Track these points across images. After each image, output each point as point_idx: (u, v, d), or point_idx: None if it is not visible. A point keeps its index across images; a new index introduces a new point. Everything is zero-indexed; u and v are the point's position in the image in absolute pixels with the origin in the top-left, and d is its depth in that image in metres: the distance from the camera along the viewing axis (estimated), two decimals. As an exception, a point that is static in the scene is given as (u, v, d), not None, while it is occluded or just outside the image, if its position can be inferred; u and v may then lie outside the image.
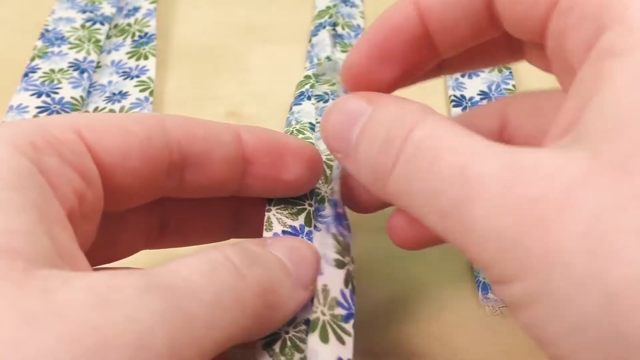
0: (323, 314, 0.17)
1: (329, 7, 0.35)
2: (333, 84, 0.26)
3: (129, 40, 0.34)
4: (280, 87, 0.31)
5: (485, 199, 0.14)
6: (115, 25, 0.35)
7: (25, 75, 0.31)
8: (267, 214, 0.21)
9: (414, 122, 0.16)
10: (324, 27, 0.33)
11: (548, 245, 0.13)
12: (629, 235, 0.12)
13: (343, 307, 0.18)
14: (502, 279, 0.14)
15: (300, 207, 0.21)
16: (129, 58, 0.32)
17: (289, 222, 0.21)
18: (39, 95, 0.30)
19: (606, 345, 0.12)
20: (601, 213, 0.12)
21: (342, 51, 0.33)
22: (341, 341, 0.17)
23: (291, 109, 0.28)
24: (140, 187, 0.18)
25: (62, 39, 0.32)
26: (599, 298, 0.12)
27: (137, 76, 0.31)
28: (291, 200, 0.22)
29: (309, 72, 0.30)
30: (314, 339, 0.17)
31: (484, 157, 0.14)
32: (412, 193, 0.16)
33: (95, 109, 0.30)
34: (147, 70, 0.32)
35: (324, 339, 0.17)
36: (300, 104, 0.28)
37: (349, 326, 0.18)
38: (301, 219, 0.21)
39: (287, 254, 0.18)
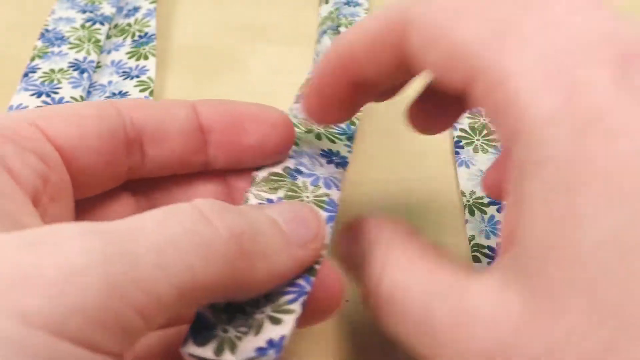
0: (262, 312, 0.17)
1: (331, 12, 0.35)
2: None
3: (129, 40, 0.33)
4: (280, 87, 0.31)
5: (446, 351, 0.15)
6: (115, 25, 0.34)
7: (25, 75, 0.31)
8: (245, 194, 0.21)
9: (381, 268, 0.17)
10: (325, 33, 0.33)
11: None
12: None
13: (291, 292, 0.17)
14: None
15: (281, 181, 0.21)
16: (129, 58, 0.32)
17: (266, 195, 0.20)
18: (39, 95, 0.30)
19: None
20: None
21: None
22: (276, 322, 0.17)
23: (316, 49, 0.31)
24: (104, 166, 0.19)
25: (62, 39, 0.32)
26: None
27: (137, 76, 0.31)
28: (273, 178, 0.21)
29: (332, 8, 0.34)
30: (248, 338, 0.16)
31: (436, 301, 0.15)
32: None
33: (96, 109, 0.30)
34: (147, 70, 0.32)
35: (257, 332, 0.17)
36: (321, 41, 0.31)
37: (295, 305, 0.17)
38: (280, 193, 0.21)
39: (278, 211, 0.18)
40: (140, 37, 0.33)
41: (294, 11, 0.36)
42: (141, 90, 0.30)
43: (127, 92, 0.31)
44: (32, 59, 0.31)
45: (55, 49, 0.32)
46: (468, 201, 0.27)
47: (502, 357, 0.13)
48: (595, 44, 0.14)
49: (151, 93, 0.30)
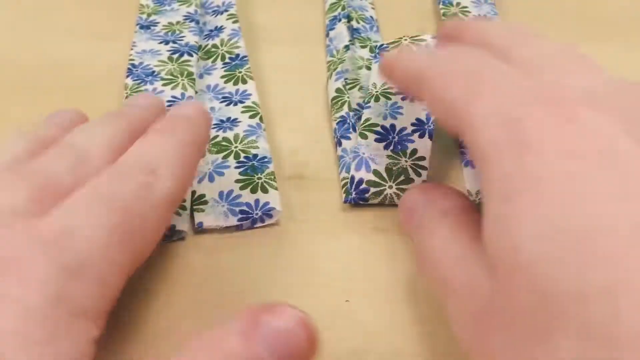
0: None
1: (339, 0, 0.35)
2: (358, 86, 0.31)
3: (219, 63, 0.32)
4: (282, 88, 0.32)
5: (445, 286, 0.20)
6: (199, 47, 0.33)
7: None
8: None
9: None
10: (339, 20, 0.34)
11: None
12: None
13: None
14: None
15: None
16: (226, 82, 0.31)
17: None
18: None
19: None
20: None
21: (362, 46, 0.33)
22: None
23: (328, 34, 0.34)
24: None
25: (152, 74, 0.31)
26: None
27: (241, 101, 0.30)
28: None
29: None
30: None
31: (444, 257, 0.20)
32: None
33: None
34: (250, 94, 0.31)
35: None
36: (334, 27, 0.34)
37: None
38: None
39: (269, 344, 0.16)
40: (231, 59, 0.32)
41: (295, 11, 0.36)
42: (251, 117, 0.29)
43: (236, 118, 0.30)
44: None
45: (149, 87, 0.31)
46: (474, 201, 0.27)
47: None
48: (532, 96, 0.18)
49: (261, 119, 0.30)
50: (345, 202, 0.26)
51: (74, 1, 0.36)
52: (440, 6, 0.35)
